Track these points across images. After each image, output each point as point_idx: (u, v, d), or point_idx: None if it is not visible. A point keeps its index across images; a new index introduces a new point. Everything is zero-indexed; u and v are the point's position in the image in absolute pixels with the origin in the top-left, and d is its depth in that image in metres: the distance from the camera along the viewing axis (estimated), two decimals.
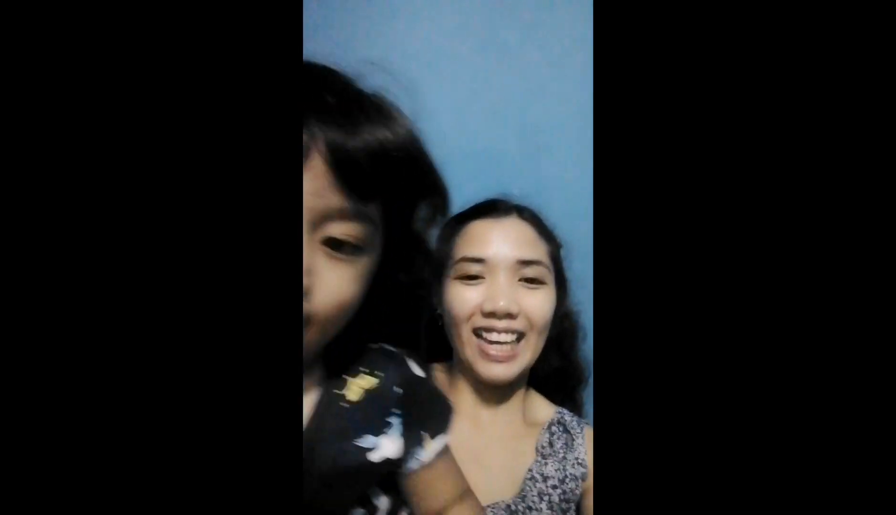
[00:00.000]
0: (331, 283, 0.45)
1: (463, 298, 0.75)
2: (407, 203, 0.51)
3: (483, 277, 0.75)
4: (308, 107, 0.42)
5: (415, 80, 0.92)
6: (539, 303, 0.76)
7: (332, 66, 0.49)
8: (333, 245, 0.45)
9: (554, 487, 0.73)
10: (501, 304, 0.73)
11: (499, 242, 0.76)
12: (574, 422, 0.80)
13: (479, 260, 0.75)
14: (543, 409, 0.83)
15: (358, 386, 0.52)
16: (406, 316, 0.59)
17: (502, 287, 0.74)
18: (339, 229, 0.45)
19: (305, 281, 0.43)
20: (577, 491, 0.73)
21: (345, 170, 0.43)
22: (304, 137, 0.42)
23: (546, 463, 0.75)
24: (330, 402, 0.51)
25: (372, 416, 0.51)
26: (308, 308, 0.44)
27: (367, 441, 0.50)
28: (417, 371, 0.56)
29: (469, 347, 0.75)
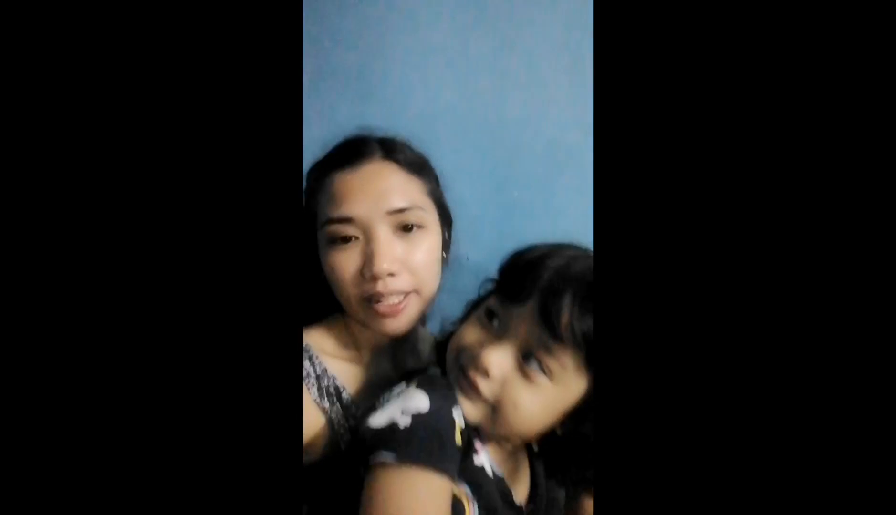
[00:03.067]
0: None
1: (339, 265, 0.67)
2: None
3: (357, 237, 0.66)
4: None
5: (410, 75, 0.92)
6: (422, 253, 0.68)
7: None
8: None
9: None
10: (384, 266, 0.64)
11: (363, 196, 0.66)
12: None
13: (346, 221, 0.66)
14: None
15: None
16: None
17: (380, 245, 0.65)
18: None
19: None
20: None
21: None
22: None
23: None
24: None
25: None
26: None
27: None
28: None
29: (360, 312, 0.68)
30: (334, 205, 0.67)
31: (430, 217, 0.70)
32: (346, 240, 0.67)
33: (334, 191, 0.68)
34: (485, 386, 0.56)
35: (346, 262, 0.66)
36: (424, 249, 0.68)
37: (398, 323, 0.68)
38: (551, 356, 0.54)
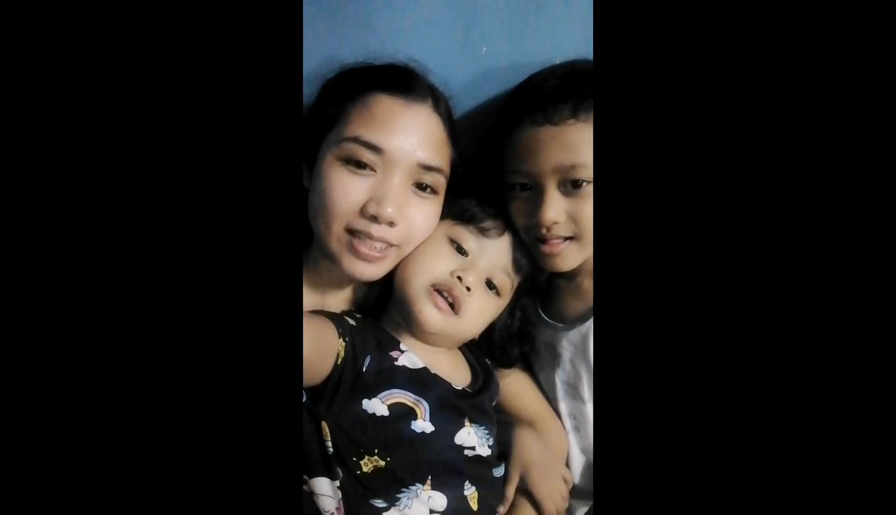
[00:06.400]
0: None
1: (345, 189, 0.63)
2: None
3: (374, 170, 0.64)
4: None
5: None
6: (425, 217, 0.68)
7: None
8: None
9: None
10: (389, 211, 0.63)
11: (405, 135, 0.64)
12: None
13: (376, 149, 0.63)
14: None
15: None
16: None
17: (394, 190, 0.63)
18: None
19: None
20: None
21: None
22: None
23: None
24: None
25: None
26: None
27: None
28: None
29: (336, 243, 0.65)
30: (370, 126, 0.63)
31: (443, 188, 0.70)
32: (362, 166, 0.63)
33: (376, 112, 0.64)
34: (465, 299, 0.69)
35: (351, 189, 0.63)
36: (428, 214, 0.69)
37: (371, 271, 0.66)
38: (508, 279, 0.73)
